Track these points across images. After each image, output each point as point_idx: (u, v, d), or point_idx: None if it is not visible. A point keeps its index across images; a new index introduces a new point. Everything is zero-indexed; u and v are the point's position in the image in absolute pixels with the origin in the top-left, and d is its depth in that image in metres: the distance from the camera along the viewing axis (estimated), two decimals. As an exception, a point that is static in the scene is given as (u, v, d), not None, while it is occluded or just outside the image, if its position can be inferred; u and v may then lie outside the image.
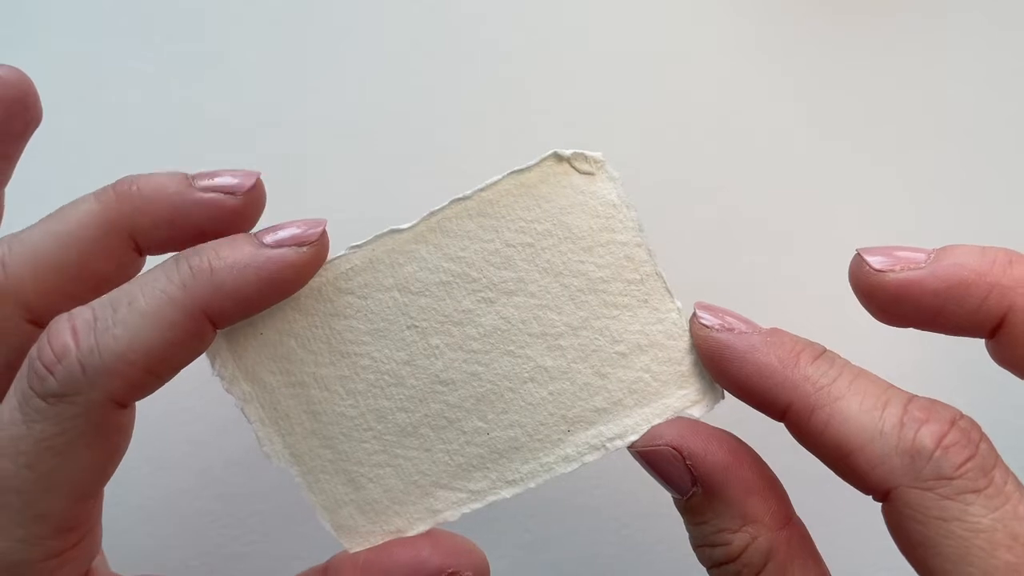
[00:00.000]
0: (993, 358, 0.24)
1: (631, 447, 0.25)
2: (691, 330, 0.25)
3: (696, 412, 0.25)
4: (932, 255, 0.23)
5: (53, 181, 0.34)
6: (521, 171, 0.25)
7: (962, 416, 0.22)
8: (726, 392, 0.25)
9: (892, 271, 0.23)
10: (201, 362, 0.25)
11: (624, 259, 0.25)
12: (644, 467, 0.25)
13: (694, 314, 0.25)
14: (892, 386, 0.23)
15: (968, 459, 0.21)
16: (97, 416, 0.22)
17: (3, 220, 0.27)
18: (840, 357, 0.24)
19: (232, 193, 0.24)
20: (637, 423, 0.25)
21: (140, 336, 0.22)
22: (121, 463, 0.32)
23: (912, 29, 0.38)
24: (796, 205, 0.37)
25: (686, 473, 0.24)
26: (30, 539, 0.23)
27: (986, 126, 0.38)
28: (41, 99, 0.26)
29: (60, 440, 0.22)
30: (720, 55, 0.38)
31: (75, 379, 0.22)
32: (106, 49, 0.35)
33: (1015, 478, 0.22)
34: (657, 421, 0.25)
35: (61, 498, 0.23)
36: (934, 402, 0.22)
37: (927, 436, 0.21)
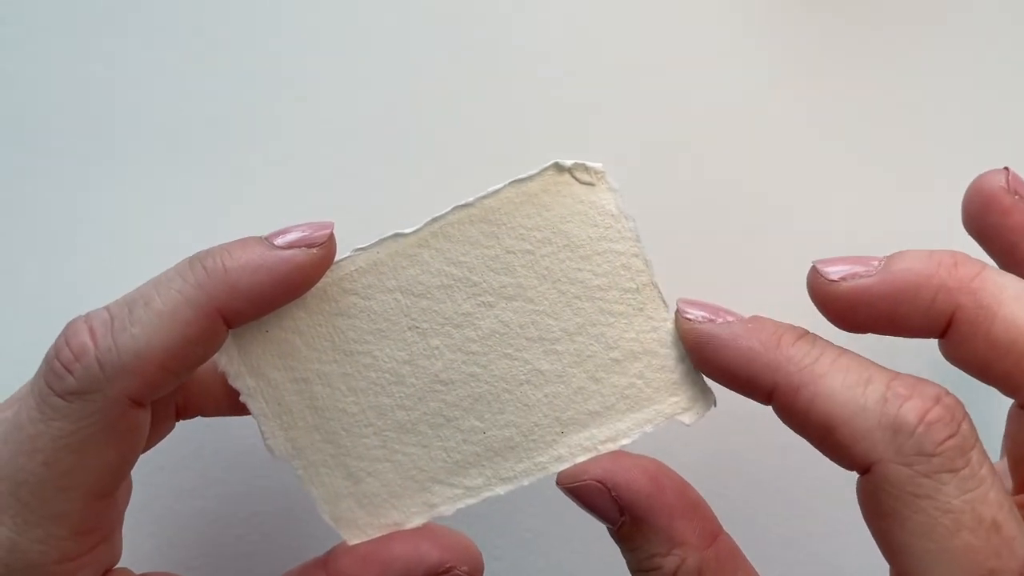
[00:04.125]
0: (945, 357, 0.25)
1: (559, 483, 0.26)
2: (676, 324, 0.26)
3: (687, 419, 0.26)
4: (882, 262, 0.24)
5: (54, 173, 0.35)
6: (523, 180, 0.26)
7: (947, 394, 0.23)
8: (716, 401, 0.26)
9: (845, 280, 0.24)
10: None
11: (621, 268, 0.26)
12: (575, 502, 0.25)
13: (678, 309, 0.26)
14: (875, 364, 0.24)
15: (949, 437, 0.22)
16: (114, 414, 0.23)
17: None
18: (821, 338, 0.24)
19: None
20: (629, 427, 0.26)
21: (157, 335, 0.23)
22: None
23: (912, 30, 0.38)
24: (796, 206, 0.37)
25: (613, 504, 0.25)
26: (47, 539, 0.23)
27: (985, 124, 0.38)
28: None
29: (77, 438, 0.23)
30: (719, 55, 0.37)
31: (94, 377, 0.23)
32: (104, 48, 0.35)
33: (990, 463, 0.22)
34: (649, 427, 0.26)
35: (78, 497, 0.23)
36: (918, 379, 0.23)
37: (910, 411, 0.22)
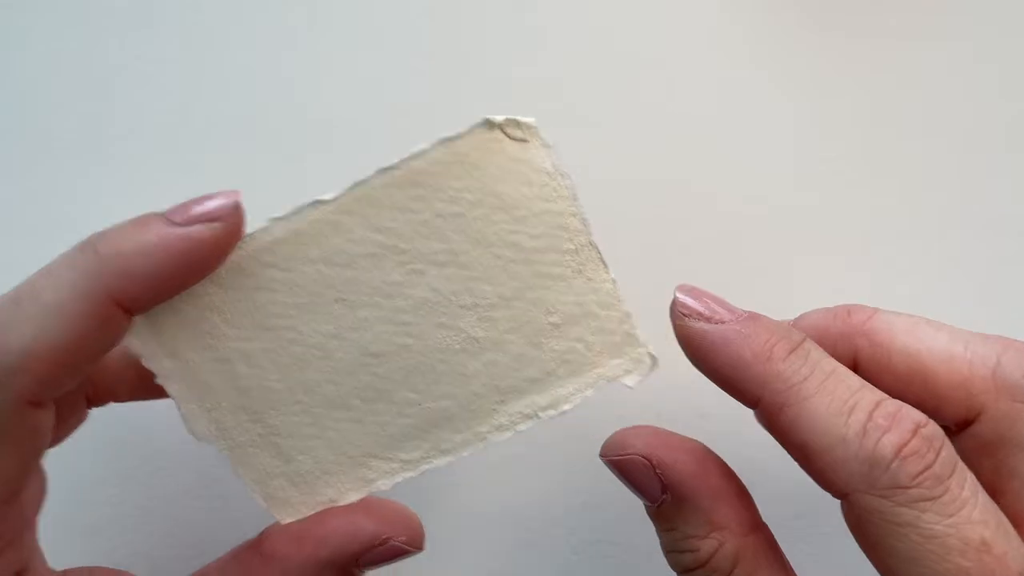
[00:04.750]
0: None
1: (603, 456, 0.25)
2: (670, 317, 0.24)
3: (629, 381, 0.25)
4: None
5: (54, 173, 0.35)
6: (451, 139, 0.24)
7: (927, 423, 0.22)
8: (659, 361, 0.25)
9: None
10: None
11: (559, 228, 0.25)
12: (616, 475, 0.25)
13: (675, 299, 0.24)
14: (863, 386, 0.23)
15: (925, 469, 0.21)
16: (9, 417, 0.21)
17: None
18: (816, 350, 0.24)
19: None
20: (570, 393, 0.25)
21: (47, 331, 0.21)
22: (120, 463, 0.31)
23: (911, 39, 0.37)
24: (796, 206, 0.36)
25: (656, 482, 0.24)
26: None
27: (981, 130, 0.37)
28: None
29: None
30: (710, 58, 0.36)
31: None
32: (104, 48, 0.34)
33: (973, 481, 0.22)
34: (590, 392, 0.25)
35: None
36: (900, 407, 0.22)
37: (887, 446, 0.21)
